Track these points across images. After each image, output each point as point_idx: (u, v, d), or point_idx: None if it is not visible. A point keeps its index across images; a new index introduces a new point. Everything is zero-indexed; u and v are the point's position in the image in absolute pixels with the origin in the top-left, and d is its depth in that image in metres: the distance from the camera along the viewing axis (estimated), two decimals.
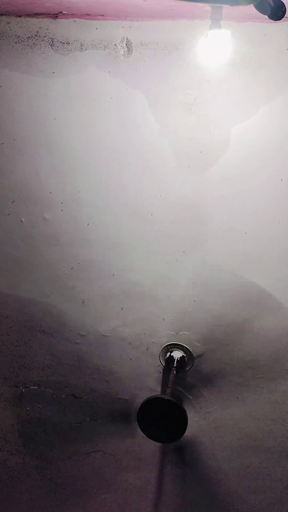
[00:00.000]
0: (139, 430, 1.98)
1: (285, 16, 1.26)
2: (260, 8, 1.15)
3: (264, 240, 2.07)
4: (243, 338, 2.18)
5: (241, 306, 2.14)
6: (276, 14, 1.16)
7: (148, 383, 2.29)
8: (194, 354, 2.22)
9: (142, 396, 2.26)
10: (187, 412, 2.00)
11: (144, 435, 1.98)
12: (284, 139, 1.94)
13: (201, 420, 2.30)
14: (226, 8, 1.40)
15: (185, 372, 2.24)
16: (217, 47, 1.66)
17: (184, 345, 2.21)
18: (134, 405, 2.30)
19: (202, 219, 2.07)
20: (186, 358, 2.21)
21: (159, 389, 2.27)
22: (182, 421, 1.88)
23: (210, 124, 1.96)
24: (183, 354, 2.20)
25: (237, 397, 2.25)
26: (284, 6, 1.17)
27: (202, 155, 1.99)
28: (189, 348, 2.21)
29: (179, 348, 2.21)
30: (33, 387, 2.37)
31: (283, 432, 2.28)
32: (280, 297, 2.11)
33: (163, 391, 2.20)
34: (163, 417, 1.90)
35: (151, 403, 1.89)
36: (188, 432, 2.02)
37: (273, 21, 1.22)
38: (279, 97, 1.89)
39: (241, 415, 2.27)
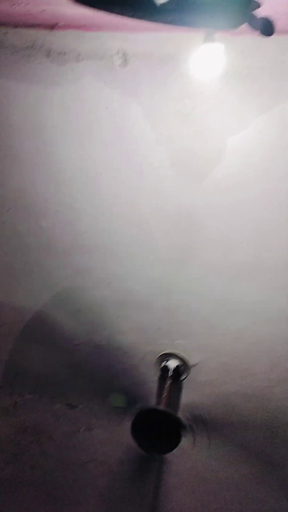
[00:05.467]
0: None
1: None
2: (251, 24, 1.17)
3: (260, 250, 2.07)
4: (239, 347, 2.18)
5: (237, 315, 2.14)
6: (266, 31, 1.18)
7: (144, 393, 2.28)
8: (190, 364, 2.22)
9: (138, 406, 2.25)
10: (182, 422, 1.99)
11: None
12: (279, 150, 1.95)
13: (197, 430, 2.28)
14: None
15: (180, 381, 2.23)
16: (211, 59, 1.68)
17: (179, 354, 2.21)
18: (129, 415, 2.29)
19: (198, 228, 2.08)
20: (181, 368, 2.20)
21: (154, 398, 2.26)
22: (177, 432, 1.87)
23: (207, 135, 1.97)
24: (179, 363, 2.20)
25: (233, 407, 2.24)
26: (273, 24, 1.19)
27: (198, 165, 2.00)
28: (184, 357, 2.21)
29: (175, 357, 2.21)
30: (28, 396, 2.36)
31: (280, 440, 2.27)
32: (275, 307, 2.11)
33: (158, 400, 2.19)
34: (158, 428, 1.89)
35: (145, 414, 1.88)
36: (183, 442, 2.01)
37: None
38: (274, 109, 1.90)
39: (237, 425, 2.26)
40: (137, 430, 1.93)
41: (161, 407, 1.89)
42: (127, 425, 2.31)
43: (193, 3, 0.97)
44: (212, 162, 1.99)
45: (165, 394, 2.06)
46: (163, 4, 0.96)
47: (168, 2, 0.95)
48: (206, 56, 1.71)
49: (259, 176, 1.99)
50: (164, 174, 2.02)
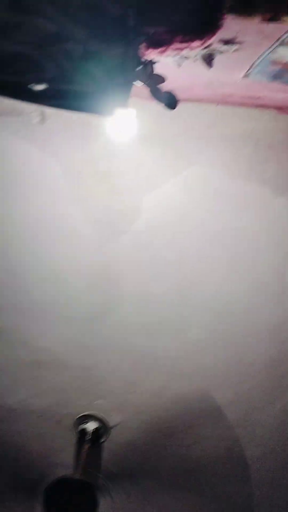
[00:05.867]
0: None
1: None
2: (157, 97, 1.25)
3: (176, 303, 2.10)
4: (159, 405, 2.14)
5: (155, 372, 2.12)
6: (170, 104, 1.26)
7: (60, 459, 2.13)
8: (110, 424, 2.13)
9: (53, 474, 2.09)
10: (100, 489, 1.88)
11: None
12: (191, 209, 2.03)
13: (115, 496, 2.15)
14: (134, 87, 1.49)
15: (100, 444, 2.12)
16: (127, 123, 1.75)
17: (99, 415, 2.11)
18: (44, 485, 2.11)
19: (116, 284, 2.07)
20: (101, 429, 2.11)
21: (71, 465, 2.11)
22: (92, 502, 1.75)
23: (123, 194, 2.01)
24: (98, 425, 2.10)
25: (155, 467, 2.16)
26: (176, 97, 1.27)
27: (115, 222, 2.02)
28: (104, 418, 2.12)
29: (94, 419, 2.11)
30: None
31: (201, 501, 2.21)
32: (193, 361, 2.12)
33: (76, 467, 2.05)
34: (72, 498, 1.76)
35: (58, 484, 1.75)
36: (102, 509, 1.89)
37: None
38: (186, 171, 2.00)
39: (156, 488, 2.17)
40: (51, 503, 1.78)
41: (75, 476, 1.77)
42: (40, 496, 2.13)
43: (71, 92, 1.01)
44: (128, 220, 2.02)
45: (81, 460, 1.93)
46: (41, 91, 0.98)
47: (46, 89, 0.98)
48: (121, 120, 1.78)
49: (172, 233, 2.04)
50: (81, 231, 2.01)
